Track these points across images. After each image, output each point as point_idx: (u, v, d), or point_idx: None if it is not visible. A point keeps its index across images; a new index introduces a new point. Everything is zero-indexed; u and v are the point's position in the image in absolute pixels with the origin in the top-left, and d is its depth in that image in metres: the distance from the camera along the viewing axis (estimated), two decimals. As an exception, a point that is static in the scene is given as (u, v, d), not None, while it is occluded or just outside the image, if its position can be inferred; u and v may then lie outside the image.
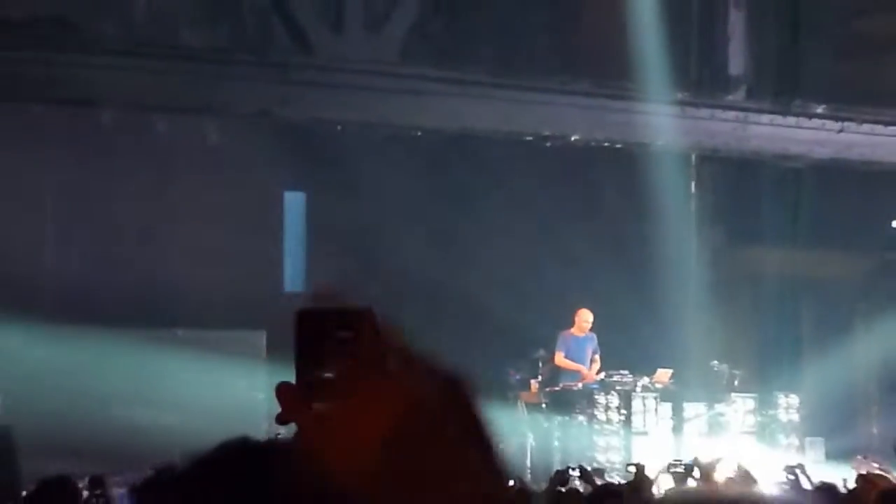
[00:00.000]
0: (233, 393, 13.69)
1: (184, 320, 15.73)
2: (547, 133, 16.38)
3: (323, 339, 1.28)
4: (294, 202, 18.69)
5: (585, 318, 15.05)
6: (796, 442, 15.54)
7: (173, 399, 13.58)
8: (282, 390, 1.26)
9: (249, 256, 17.09)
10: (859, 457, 14.28)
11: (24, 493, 9.01)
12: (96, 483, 8.71)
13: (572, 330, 15.07)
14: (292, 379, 1.19)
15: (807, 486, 10.30)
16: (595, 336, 15.18)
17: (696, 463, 11.00)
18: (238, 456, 1.42)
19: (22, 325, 14.33)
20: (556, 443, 13.97)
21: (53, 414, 13.93)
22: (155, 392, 14.21)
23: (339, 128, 16.40)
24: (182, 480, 1.50)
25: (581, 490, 9.62)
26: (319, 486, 1.24)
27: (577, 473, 10.34)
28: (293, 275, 18.59)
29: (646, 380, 15.13)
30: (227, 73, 15.91)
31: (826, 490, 9.25)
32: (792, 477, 10.67)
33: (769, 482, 10.74)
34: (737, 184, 18.67)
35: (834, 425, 16.54)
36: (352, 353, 1.24)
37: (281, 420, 1.26)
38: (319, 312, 1.28)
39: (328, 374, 1.27)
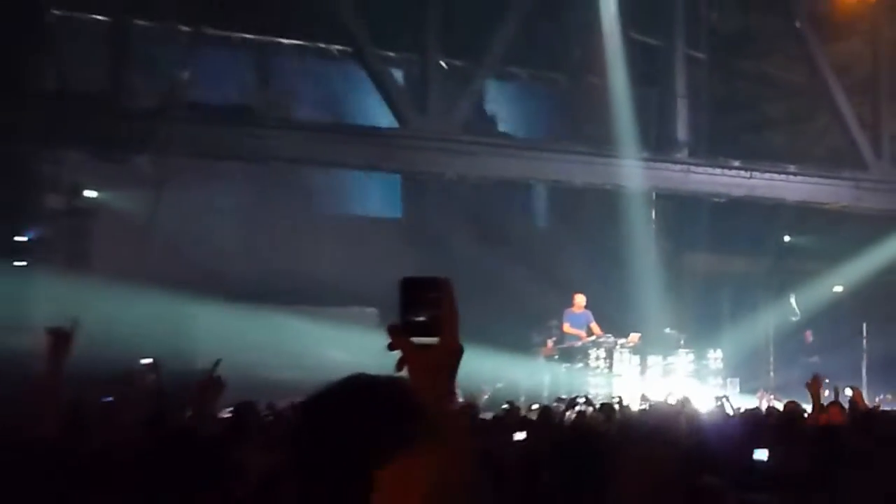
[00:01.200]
0: (355, 355, 14.56)
1: (323, 300, 18.76)
2: (556, 179, 19.57)
3: (418, 297, 2.00)
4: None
5: (579, 301, 18.08)
6: (720, 382, 18.42)
7: (311, 359, 14.98)
8: (391, 328, 2.01)
9: (367, 254, 20.09)
10: (761, 391, 18.13)
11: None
12: (270, 407, 10.16)
13: (572, 308, 18.07)
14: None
15: (729, 410, 12.30)
16: (589, 312, 18.11)
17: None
18: (359, 381, 2.07)
19: (214, 304, 17.03)
20: (564, 381, 16.63)
21: (225, 368, 17.06)
22: (296, 354, 15.86)
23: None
24: (322, 397, 2.08)
25: (584, 410, 11.24)
26: (412, 403, 1.97)
27: (582, 400, 12.02)
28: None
29: (622, 340, 18.08)
30: (348, 139, 18.83)
31: (743, 412, 11.44)
32: (719, 404, 12.85)
33: (704, 407, 12.81)
34: (681, 211, 21.74)
35: (744, 371, 19.55)
36: (436, 305, 1.99)
37: (391, 347, 2.00)
38: (417, 279, 2.03)
39: (422, 318, 2.00)
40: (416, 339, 2.01)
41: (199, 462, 3.96)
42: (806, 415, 9.20)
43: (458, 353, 2.05)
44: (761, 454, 6.28)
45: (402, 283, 2.05)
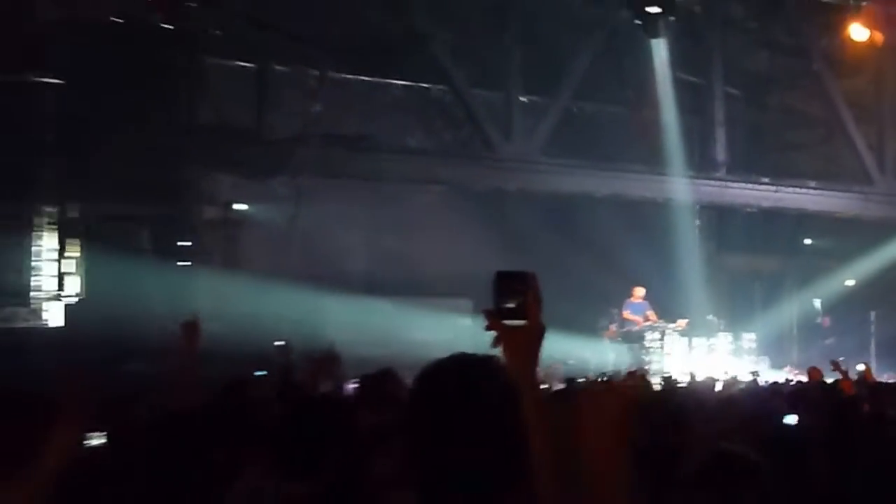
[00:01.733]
0: (453, 337, 15.76)
1: (427, 291, 20.13)
2: (618, 193, 20.57)
3: (509, 286, 2.22)
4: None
5: (638, 293, 19.36)
6: (753, 359, 19.48)
7: (416, 341, 15.52)
8: (488, 313, 2.25)
9: (462, 253, 20.68)
10: (787, 367, 18.80)
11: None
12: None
13: (632, 299, 19.35)
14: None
15: (762, 382, 13.14)
16: (646, 302, 19.37)
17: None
18: (463, 357, 2.27)
19: (339, 295, 18.16)
20: (625, 358, 17.80)
21: (345, 347, 14.86)
22: (405, 337, 16.47)
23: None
24: (436, 369, 2.27)
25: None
26: (506, 379, 2.14)
27: (639, 374, 12.57)
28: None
29: (672, 325, 19.35)
30: (447, 162, 20.51)
31: (773, 384, 12.20)
32: (753, 378, 13.68)
33: (741, 380, 13.21)
34: (720, 219, 23.06)
35: (773, 350, 20.61)
36: (524, 294, 2.20)
37: (488, 328, 2.22)
38: (508, 272, 2.25)
39: (512, 305, 2.21)
40: (507, 322, 2.28)
41: (327, 424, 4.08)
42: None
43: (541, 334, 2.31)
44: (791, 419, 6.54)
45: (496, 275, 2.32)
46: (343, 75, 20.11)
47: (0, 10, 16.29)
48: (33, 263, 16.81)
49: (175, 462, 3.90)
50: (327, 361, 6.72)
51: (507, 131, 19.97)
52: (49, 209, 16.80)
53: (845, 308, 21.50)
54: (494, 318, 2.25)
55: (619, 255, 19.99)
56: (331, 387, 7.13)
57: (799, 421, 6.47)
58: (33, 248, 16.80)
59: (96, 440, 5.27)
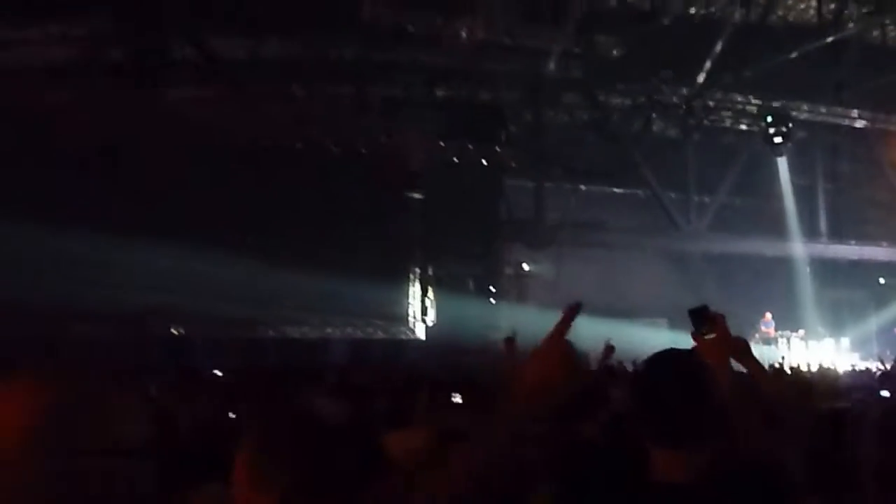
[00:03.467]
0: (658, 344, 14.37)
1: (639, 313, 20.58)
2: (757, 253, 22.17)
3: (699, 315, 2.84)
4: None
5: (768, 315, 20.98)
6: (849, 355, 20.44)
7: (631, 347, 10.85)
8: (692, 334, 2.84)
9: (660, 290, 21.64)
10: (872, 360, 17.74)
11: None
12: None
13: (764, 318, 21.01)
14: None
15: (858, 369, 13.89)
16: (773, 321, 20.80)
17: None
18: (675, 354, 2.44)
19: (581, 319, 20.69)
20: (765, 356, 12.74)
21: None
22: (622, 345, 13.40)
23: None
24: (656, 358, 2.48)
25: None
26: (700, 362, 2.42)
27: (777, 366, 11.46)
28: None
29: (795, 334, 20.89)
30: (649, 236, 22.49)
31: (865, 370, 13.38)
32: (852, 367, 14.93)
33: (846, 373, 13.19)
34: (822, 267, 23.82)
35: (862, 349, 21.45)
36: (709, 319, 2.85)
37: (693, 337, 2.82)
38: (702, 309, 2.86)
39: (703, 327, 2.84)
40: (703, 336, 2.74)
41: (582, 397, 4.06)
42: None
43: (726, 341, 2.75)
44: (884, 392, 6.95)
45: (689, 310, 2.81)
46: (582, 186, 22.37)
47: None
48: (409, 301, 19.35)
49: None
50: (608, 351, 6.81)
51: (687, 216, 22.61)
52: (418, 269, 19.53)
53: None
54: (696, 335, 2.76)
55: (758, 291, 21.87)
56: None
57: (891, 394, 6.73)
58: (410, 291, 19.33)
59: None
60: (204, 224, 16.52)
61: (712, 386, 2.41)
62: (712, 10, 17.97)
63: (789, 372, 11.64)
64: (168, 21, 15.47)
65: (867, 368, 14.10)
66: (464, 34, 16.76)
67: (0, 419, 1.46)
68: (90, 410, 1.52)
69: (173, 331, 17.04)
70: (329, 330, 18.26)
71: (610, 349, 6.85)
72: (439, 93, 19.38)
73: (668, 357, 2.54)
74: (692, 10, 17.81)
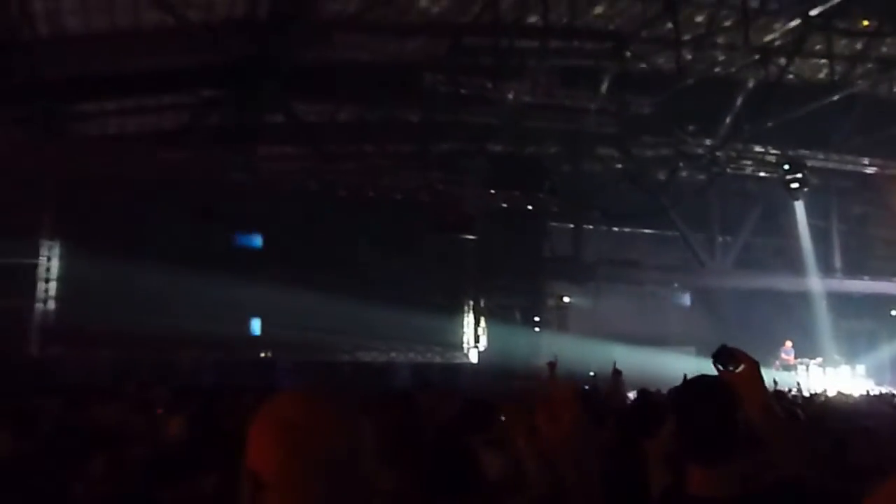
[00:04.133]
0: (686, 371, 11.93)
1: (669, 342, 21.50)
2: (776, 288, 22.83)
3: (728, 358, 2.63)
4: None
5: (788, 344, 21.04)
6: (864, 381, 20.49)
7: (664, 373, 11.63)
8: (717, 368, 2.57)
9: (689, 321, 22.91)
10: (886, 385, 19.38)
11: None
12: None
13: (784, 346, 21.11)
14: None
15: (872, 393, 14.16)
16: (793, 349, 20.97)
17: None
18: (705, 381, 2.51)
19: (616, 345, 17.24)
20: (784, 381, 14.83)
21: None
22: (654, 371, 13.66)
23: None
24: (690, 382, 2.51)
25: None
26: (733, 398, 2.39)
27: (786, 390, 11.74)
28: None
29: (813, 361, 20.86)
30: (678, 272, 23.35)
31: (880, 394, 13.77)
32: (866, 391, 15.11)
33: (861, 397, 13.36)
34: (838, 300, 23.85)
35: (877, 375, 21.78)
36: (738, 362, 2.60)
37: (722, 375, 2.59)
38: (728, 349, 2.64)
39: (731, 368, 2.61)
40: (729, 370, 2.66)
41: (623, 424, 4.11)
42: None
43: (751, 375, 2.61)
44: None
45: (720, 350, 2.70)
46: (616, 228, 23.47)
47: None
48: (464, 329, 20.19)
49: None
50: (617, 378, 6.76)
51: (712, 255, 23.65)
52: (472, 301, 20.44)
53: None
54: (720, 370, 2.65)
55: (779, 321, 22.64)
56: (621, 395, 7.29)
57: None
58: (464, 321, 20.23)
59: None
60: (287, 262, 17.91)
61: (738, 408, 2.46)
62: (733, 70, 18.51)
63: (807, 395, 11.89)
64: (262, 91, 16.76)
65: (889, 391, 14.67)
66: (510, 97, 17.67)
67: (265, 442, 1.43)
68: (355, 431, 1.49)
69: (262, 355, 18.18)
70: (394, 355, 19.29)
71: (617, 372, 7.00)
72: (489, 148, 20.40)
73: (699, 383, 2.60)
74: (715, 71, 18.31)
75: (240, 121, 17.38)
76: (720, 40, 17.09)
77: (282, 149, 19.39)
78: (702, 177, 21.57)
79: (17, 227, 16.33)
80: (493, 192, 20.10)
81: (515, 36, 16.21)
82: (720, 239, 23.70)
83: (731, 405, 2.46)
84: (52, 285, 16.75)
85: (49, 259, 16.80)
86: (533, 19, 15.94)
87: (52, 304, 16.67)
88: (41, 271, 16.76)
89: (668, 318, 23.90)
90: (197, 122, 17.40)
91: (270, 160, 19.15)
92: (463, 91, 17.22)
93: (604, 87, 18.39)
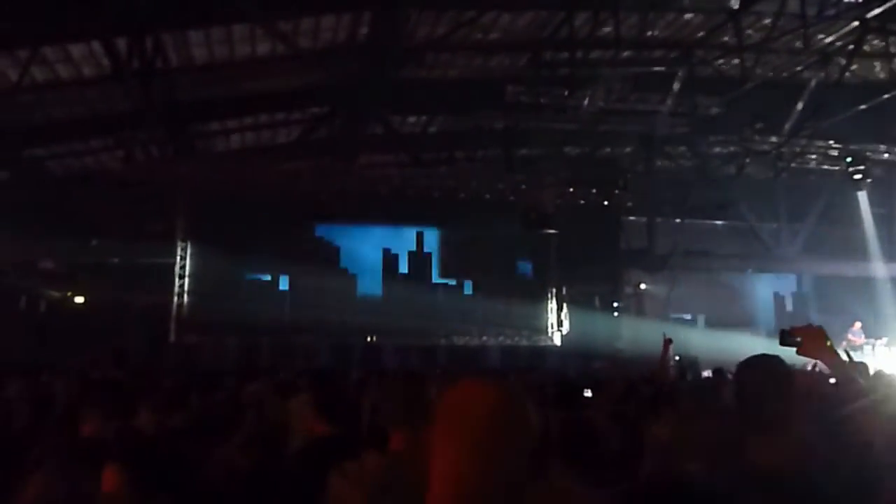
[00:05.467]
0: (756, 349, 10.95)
1: (739, 324, 21.41)
2: (839, 274, 22.26)
3: (789, 334, 2.77)
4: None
5: (857, 325, 19.95)
6: None
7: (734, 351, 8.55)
8: (797, 350, 2.63)
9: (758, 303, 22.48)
10: None
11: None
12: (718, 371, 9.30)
13: (853, 327, 19.93)
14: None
15: None
16: (861, 330, 19.85)
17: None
18: (763, 359, 2.48)
19: (696, 328, 20.41)
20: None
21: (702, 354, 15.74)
22: (725, 350, 13.78)
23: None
24: (753, 358, 2.47)
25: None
26: (788, 373, 2.39)
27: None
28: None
29: (880, 341, 19.78)
30: (746, 259, 22.63)
31: None
32: None
33: None
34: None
35: None
36: (798, 335, 2.70)
37: (781, 344, 2.74)
38: (786, 328, 2.78)
39: (797, 340, 2.73)
40: (795, 346, 2.71)
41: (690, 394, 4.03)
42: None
43: (815, 342, 2.62)
44: None
45: (787, 329, 2.73)
46: (688, 220, 22.64)
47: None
48: (548, 315, 20.38)
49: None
50: (665, 353, 6.48)
51: (778, 242, 23.47)
52: (555, 290, 20.54)
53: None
54: (795, 347, 2.69)
55: (847, 304, 21.91)
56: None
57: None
58: (548, 308, 20.43)
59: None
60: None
61: (792, 383, 2.44)
62: (797, 69, 17.96)
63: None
64: (363, 107, 17.40)
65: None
66: (586, 103, 17.51)
67: (472, 412, 1.48)
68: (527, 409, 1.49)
69: (368, 339, 18.76)
70: (485, 338, 19.58)
71: (668, 341, 6.78)
72: (568, 150, 20.67)
73: (757, 361, 2.60)
74: (780, 74, 17.80)
75: (344, 134, 17.89)
76: (780, 45, 16.69)
77: (382, 157, 19.96)
78: (768, 171, 21.36)
79: (158, 232, 17.56)
80: (571, 190, 20.29)
81: (589, 48, 16.28)
82: (787, 228, 23.45)
83: (784, 379, 2.44)
84: (186, 281, 17.62)
85: (182, 258, 17.64)
86: (606, 30, 15.80)
87: (185, 298, 17.57)
88: (177, 269, 17.64)
89: (739, 300, 23.75)
90: (306, 136, 18.10)
91: (371, 168, 19.87)
92: (542, 100, 17.31)
93: (674, 90, 18.18)
